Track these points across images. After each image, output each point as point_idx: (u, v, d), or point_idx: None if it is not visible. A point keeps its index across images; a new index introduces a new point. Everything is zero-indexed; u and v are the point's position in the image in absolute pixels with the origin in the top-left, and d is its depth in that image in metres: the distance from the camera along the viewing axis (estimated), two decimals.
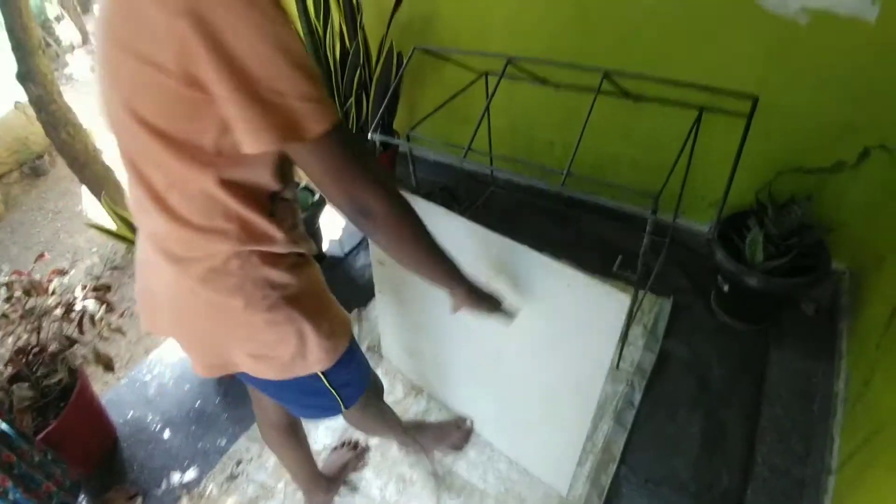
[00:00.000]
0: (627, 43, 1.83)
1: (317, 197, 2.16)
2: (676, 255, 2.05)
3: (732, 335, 1.82)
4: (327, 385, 0.99)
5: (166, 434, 1.84)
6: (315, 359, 0.91)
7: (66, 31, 6.48)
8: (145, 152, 0.73)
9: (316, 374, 0.95)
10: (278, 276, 0.83)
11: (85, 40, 6.70)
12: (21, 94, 3.02)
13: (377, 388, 1.31)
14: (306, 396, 1.02)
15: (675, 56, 1.77)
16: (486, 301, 1.02)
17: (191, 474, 1.71)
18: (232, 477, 1.65)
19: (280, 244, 0.81)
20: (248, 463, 1.68)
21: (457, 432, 1.60)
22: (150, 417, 1.91)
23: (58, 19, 6.39)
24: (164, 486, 1.70)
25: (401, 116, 2.55)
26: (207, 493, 1.63)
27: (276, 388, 0.99)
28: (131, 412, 1.93)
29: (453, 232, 1.21)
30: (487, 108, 1.63)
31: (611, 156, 2.11)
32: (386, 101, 1.90)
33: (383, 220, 0.74)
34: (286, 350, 0.88)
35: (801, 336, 1.78)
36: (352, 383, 1.07)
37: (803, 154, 1.74)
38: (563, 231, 2.28)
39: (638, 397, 1.66)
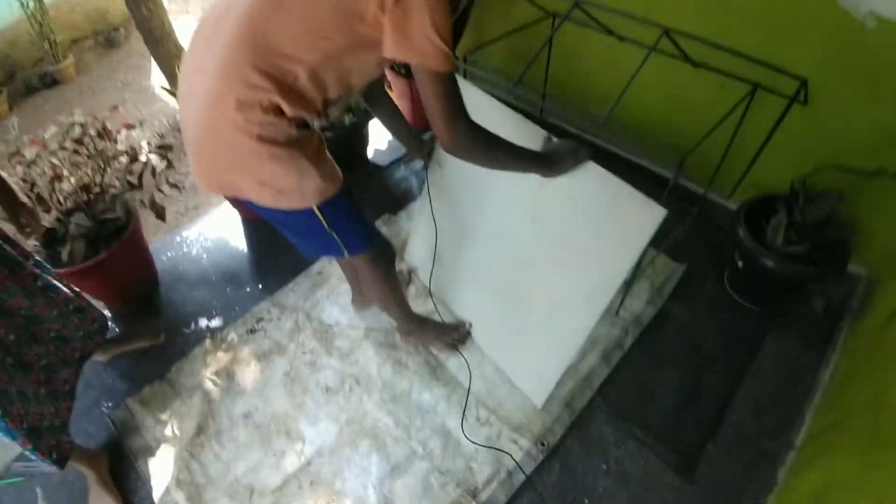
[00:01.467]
0: (694, 5, 1.83)
1: None
2: (703, 229, 2.09)
3: (736, 311, 1.88)
4: (325, 225, 1.19)
5: (201, 287, 2.05)
6: (310, 193, 1.10)
7: None
8: (276, 22, 0.95)
9: (312, 211, 1.14)
10: (290, 128, 1.02)
11: None
12: None
13: (387, 254, 1.49)
14: (308, 232, 1.24)
15: (736, 29, 1.76)
16: (570, 162, 1.31)
17: (216, 322, 1.92)
18: (252, 331, 1.85)
19: (307, 115, 1.03)
20: (268, 322, 1.87)
21: (455, 333, 1.75)
22: (190, 270, 2.12)
23: None
24: (192, 327, 1.92)
25: (465, 43, 2.60)
26: (229, 339, 1.84)
27: (279, 218, 1.19)
28: (174, 263, 2.15)
29: (504, 123, 1.38)
30: (549, 42, 1.68)
31: (657, 116, 2.13)
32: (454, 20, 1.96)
33: (465, 145, 1.09)
34: (286, 181, 1.07)
35: (803, 327, 1.83)
36: (352, 233, 1.28)
37: (846, 153, 1.73)
38: None
39: (629, 342, 1.77)
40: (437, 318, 1.82)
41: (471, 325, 1.79)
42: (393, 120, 1.59)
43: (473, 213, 1.66)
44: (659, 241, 1.79)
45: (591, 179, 1.32)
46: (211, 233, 2.29)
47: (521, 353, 1.64)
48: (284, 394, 1.69)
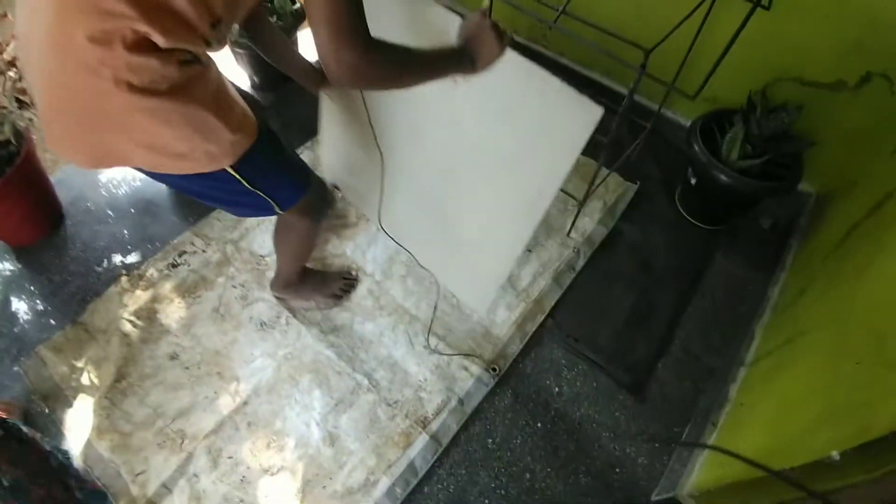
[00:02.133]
0: None
1: (296, 7, 2.01)
2: (656, 146, 2.02)
3: (686, 230, 1.85)
4: (246, 185, 0.98)
5: (113, 219, 1.83)
6: (218, 152, 0.88)
7: None
8: None
9: (226, 173, 0.93)
10: (169, 68, 0.76)
11: None
12: None
13: (318, 198, 1.26)
14: (226, 196, 1.02)
15: None
16: (495, 53, 0.98)
17: (133, 258, 1.72)
18: (173, 265, 1.67)
19: (190, 45, 0.77)
20: (192, 255, 1.69)
21: (339, 282, 1.60)
22: (99, 202, 1.88)
23: None
24: (105, 264, 1.71)
25: None
26: (147, 275, 1.65)
27: (184, 186, 0.97)
28: (81, 193, 1.90)
29: (423, 20, 1.15)
30: None
31: (611, 22, 1.99)
32: None
33: (360, 72, 0.77)
34: (183, 143, 0.84)
35: (751, 246, 1.82)
36: (281, 186, 1.07)
37: (807, 64, 1.66)
38: None
39: (580, 264, 1.71)
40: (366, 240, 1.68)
41: (356, 271, 1.65)
42: (279, 49, 1.27)
43: (385, 125, 1.44)
44: (611, 160, 1.70)
45: (512, 74, 1.07)
46: None
47: (460, 269, 1.55)
48: (215, 331, 1.54)
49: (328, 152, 1.76)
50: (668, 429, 1.44)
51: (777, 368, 1.31)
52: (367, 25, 0.75)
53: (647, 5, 1.85)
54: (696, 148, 1.69)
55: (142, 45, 0.72)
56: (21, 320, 1.61)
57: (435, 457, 1.36)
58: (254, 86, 2.19)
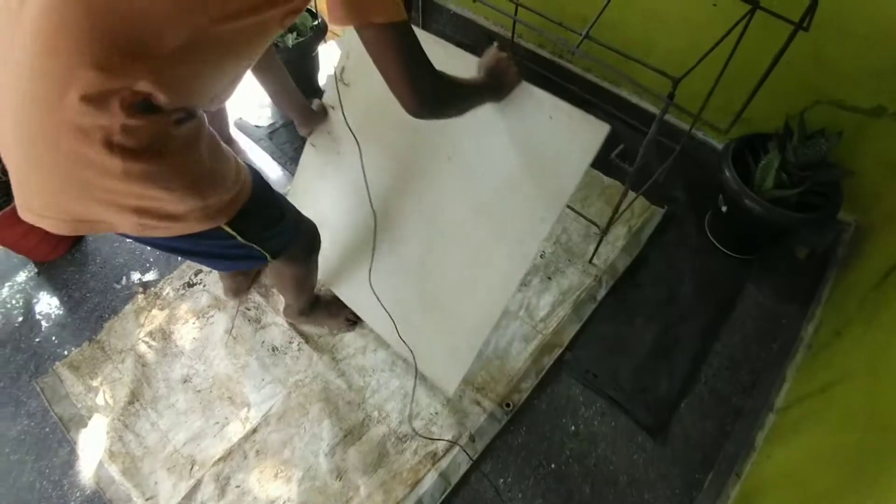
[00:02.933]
0: None
1: (317, 23, 1.98)
2: (685, 168, 1.93)
3: (715, 259, 1.76)
4: (241, 240, 0.94)
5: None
6: (215, 210, 0.84)
7: None
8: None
9: (222, 230, 0.88)
10: (170, 127, 0.73)
11: None
12: None
13: (309, 240, 1.23)
14: (217, 252, 0.97)
15: None
16: (514, 80, 1.10)
17: (150, 275, 1.72)
18: (189, 285, 1.67)
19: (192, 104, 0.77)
20: (208, 275, 1.69)
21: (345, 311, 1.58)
22: None
23: None
24: (123, 281, 1.72)
25: None
26: (164, 294, 1.66)
27: (174, 246, 0.91)
28: None
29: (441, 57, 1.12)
30: None
31: (639, 43, 1.91)
32: None
33: (436, 105, 0.86)
34: (178, 205, 0.78)
35: (784, 277, 1.72)
36: (274, 236, 1.04)
37: (846, 88, 1.56)
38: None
39: (602, 294, 1.64)
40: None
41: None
42: (279, 83, 1.25)
43: (372, 179, 1.39)
44: (638, 182, 1.63)
45: (522, 100, 1.12)
46: None
47: (433, 341, 1.43)
48: (226, 354, 1.53)
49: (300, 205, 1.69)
50: (690, 474, 1.37)
51: (808, 419, 1.23)
52: (431, 64, 0.81)
53: (678, 22, 1.76)
54: (728, 174, 1.61)
55: (139, 106, 0.68)
56: (40, 336, 1.63)
57: (443, 496, 1.32)
58: None
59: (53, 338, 1.62)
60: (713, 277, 1.72)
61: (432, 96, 0.83)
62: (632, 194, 1.76)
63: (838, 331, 1.38)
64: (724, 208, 1.69)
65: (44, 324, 1.65)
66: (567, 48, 1.37)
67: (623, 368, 1.52)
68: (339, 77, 1.42)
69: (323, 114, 1.48)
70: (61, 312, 1.67)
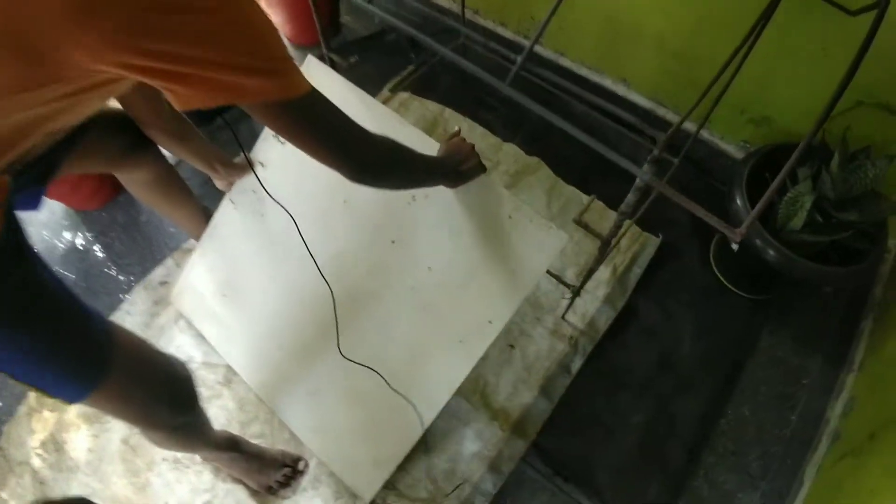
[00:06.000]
0: None
1: None
2: (687, 179, 1.54)
3: (723, 303, 1.41)
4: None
5: None
6: None
7: None
8: None
9: None
10: None
11: None
12: None
13: (164, 391, 0.86)
14: None
15: None
16: (470, 175, 0.96)
17: None
18: None
19: None
20: None
21: (278, 471, 1.20)
22: None
23: None
24: None
25: None
26: None
27: None
28: None
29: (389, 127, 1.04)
30: None
31: (631, 25, 1.47)
32: None
33: (374, 168, 0.73)
34: None
35: (807, 319, 1.38)
36: (48, 371, 0.68)
37: (890, 88, 1.15)
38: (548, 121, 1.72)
39: (578, 365, 1.32)
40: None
41: (306, 464, 1.22)
42: (185, 140, 1.07)
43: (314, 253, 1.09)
44: (632, 209, 1.27)
45: (481, 195, 0.99)
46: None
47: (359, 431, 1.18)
48: (123, 470, 1.28)
49: (202, 281, 1.36)
50: None
51: None
52: (357, 126, 0.68)
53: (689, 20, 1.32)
54: (739, 204, 1.23)
55: None
56: None
57: None
58: None
59: None
60: (719, 328, 1.38)
61: (371, 163, 0.72)
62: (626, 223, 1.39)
63: (872, 433, 1.04)
64: (734, 246, 1.32)
65: None
66: (534, 25, 1.01)
67: (603, 466, 1.23)
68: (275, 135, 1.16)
69: (244, 167, 1.18)
70: None
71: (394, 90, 1.72)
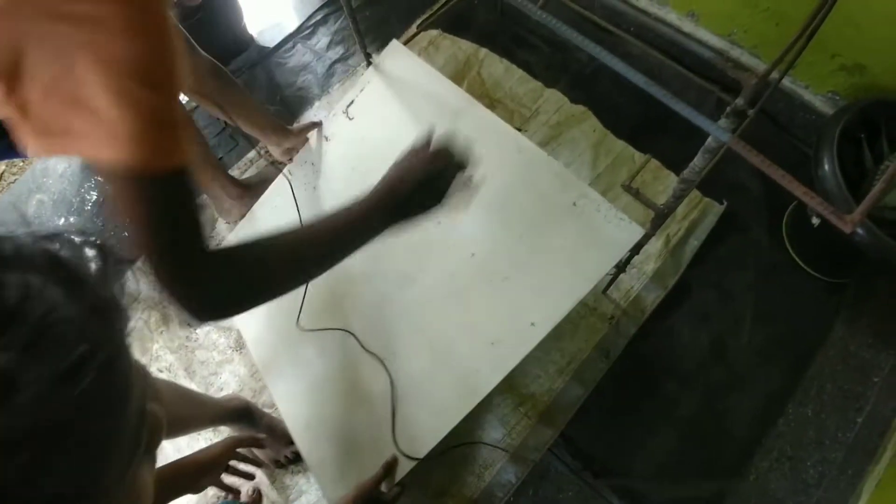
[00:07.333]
0: None
1: None
2: (759, 136, 1.31)
3: (793, 285, 1.22)
4: None
5: None
6: None
7: None
8: None
9: None
10: None
11: None
12: None
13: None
14: None
15: None
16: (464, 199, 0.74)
17: None
18: None
19: None
20: None
21: (290, 446, 1.12)
22: None
23: None
24: None
25: None
26: None
27: None
28: None
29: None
30: None
31: None
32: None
33: (221, 304, 0.55)
34: None
35: (888, 311, 1.18)
36: None
37: None
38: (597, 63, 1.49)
39: (620, 346, 1.18)
40: None
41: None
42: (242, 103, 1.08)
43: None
44: (699, 176, 1.10)
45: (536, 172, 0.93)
46: None
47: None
48: None
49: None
50: None
51: None
52: (198, 235, 0.51)
53: None
54: (828, 171, 1.03)
55: None
56: None
57: None
58: None
59: None
60: (786, 314, 1.20)
61: (214, 296, 0.54)
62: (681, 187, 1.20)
63: None
64: (814, 220, 1.12)
65: None
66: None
67: (639, 461, 1.11)
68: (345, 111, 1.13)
69: (299, 136, 1.19)
70: None
71: (422, 26, 1.52)
